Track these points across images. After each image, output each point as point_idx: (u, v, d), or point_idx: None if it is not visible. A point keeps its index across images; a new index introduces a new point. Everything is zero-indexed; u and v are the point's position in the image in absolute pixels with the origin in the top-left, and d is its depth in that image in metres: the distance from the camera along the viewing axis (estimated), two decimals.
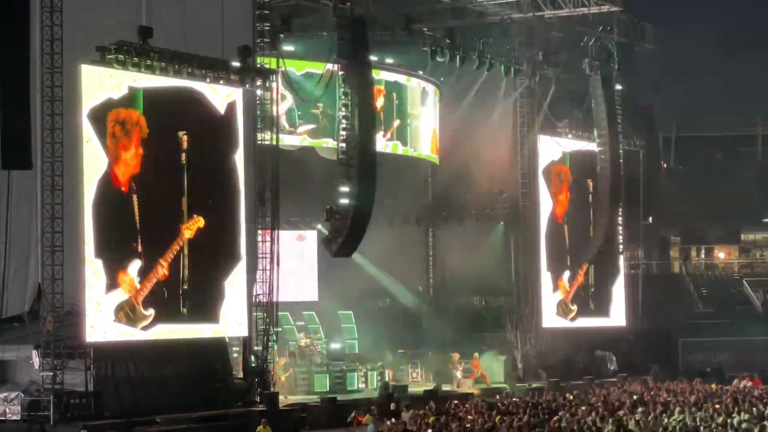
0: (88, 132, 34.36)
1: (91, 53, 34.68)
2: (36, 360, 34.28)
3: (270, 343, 39.63)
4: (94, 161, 34.50)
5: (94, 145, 34.51)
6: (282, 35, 40.69)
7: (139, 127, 35.72)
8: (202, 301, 37.53)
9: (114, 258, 34.92)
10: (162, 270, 36.15)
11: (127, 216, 35.35)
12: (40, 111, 33.97)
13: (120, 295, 34.98)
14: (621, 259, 54.83)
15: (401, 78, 48.31)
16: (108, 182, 34.82)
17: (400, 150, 48.23)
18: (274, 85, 39.67)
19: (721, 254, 69.05)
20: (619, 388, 44.02)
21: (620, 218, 52.49)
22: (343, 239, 39.47)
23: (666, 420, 30.61)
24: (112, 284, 34.80)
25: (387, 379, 44.13)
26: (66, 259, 33.92)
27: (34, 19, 33.49)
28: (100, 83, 34.82)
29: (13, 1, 32.15)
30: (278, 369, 41.24)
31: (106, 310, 34.62)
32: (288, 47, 42.65)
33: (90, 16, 35.81)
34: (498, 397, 42.07)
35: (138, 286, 35.44)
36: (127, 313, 35.19)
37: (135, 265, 35.47)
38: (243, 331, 39.06)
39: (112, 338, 34.79)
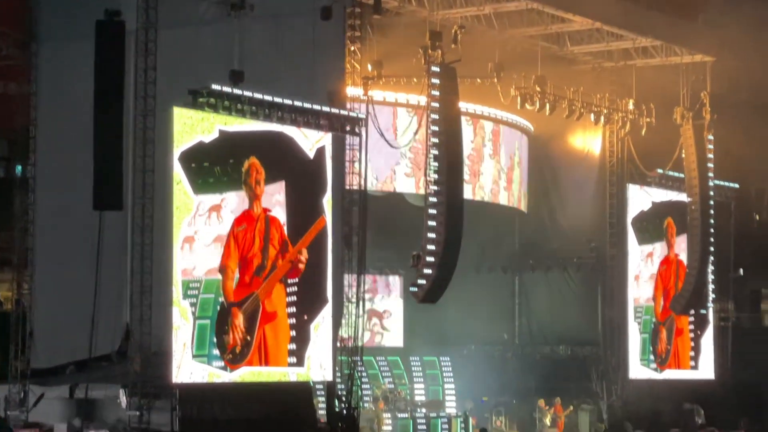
0: (178, 174, 34.79)
1: (183, 96, 35.08)
2: (123, 399, 34.56)
3: (354, 388, 39.63)
4: (183, 203, 34.85)
5: (184, 188, 34.90)
6: (372, 80, 40.85)
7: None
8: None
9: None
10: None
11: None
12: (132, 153, 34.41)
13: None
14: (710, 311, 54.12)
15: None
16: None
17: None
18: (363, 130, 39.89)
19: None
20: None
21: (711, 270, 51.77)
22: (429, 285, 39.30)
23: None
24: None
25: (483, 427, 43.90)
26: (154, 300, 34.22)
27: (129, 62, 33.96)
28: (192, 126, 35.15)
29: (110, 47, 32.69)
30: (379, 411, 41.37)
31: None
32: (378, 92, 42.79)
33: (183, 59, 36.26)
34: None
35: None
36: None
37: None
38: (327, 375, 39.06)
39: (197, 379, 34.99)
